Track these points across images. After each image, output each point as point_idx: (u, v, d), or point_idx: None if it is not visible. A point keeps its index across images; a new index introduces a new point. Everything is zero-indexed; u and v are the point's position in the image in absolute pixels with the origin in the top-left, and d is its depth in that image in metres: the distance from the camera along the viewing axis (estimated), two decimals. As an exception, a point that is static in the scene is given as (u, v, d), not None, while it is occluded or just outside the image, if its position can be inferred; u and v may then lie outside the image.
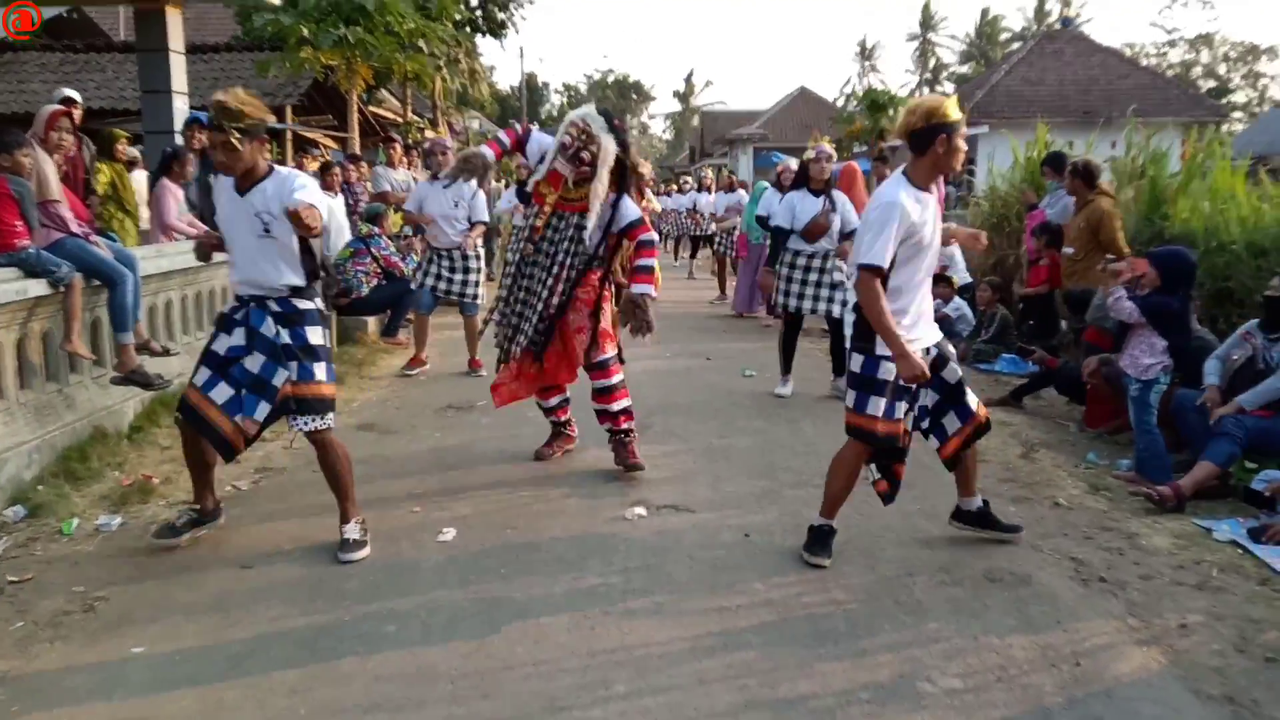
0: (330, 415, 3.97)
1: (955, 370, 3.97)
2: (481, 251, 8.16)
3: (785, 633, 3.34)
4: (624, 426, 5.06)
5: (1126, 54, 35.25)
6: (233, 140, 3.69)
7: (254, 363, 3.90)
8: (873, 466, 3.96)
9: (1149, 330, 5.05)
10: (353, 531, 4.02)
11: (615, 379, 5.00)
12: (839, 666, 3.11)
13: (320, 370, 3.93)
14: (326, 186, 9.56)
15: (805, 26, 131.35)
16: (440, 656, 3.15)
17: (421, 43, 13.86)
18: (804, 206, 6.86)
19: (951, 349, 4.05)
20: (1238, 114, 48.53)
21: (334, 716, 2.81)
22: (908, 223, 3.60)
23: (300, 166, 10.87)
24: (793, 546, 4.12)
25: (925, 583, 3.76)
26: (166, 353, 5.89)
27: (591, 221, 4.69)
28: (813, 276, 6.92)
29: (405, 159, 11.48)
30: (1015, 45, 48.17)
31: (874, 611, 3.51)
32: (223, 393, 3.91)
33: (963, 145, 3.63)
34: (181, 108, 9.21)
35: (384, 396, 7.07)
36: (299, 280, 3.95)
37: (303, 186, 3.80)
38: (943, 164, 3.67)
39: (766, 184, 10.40)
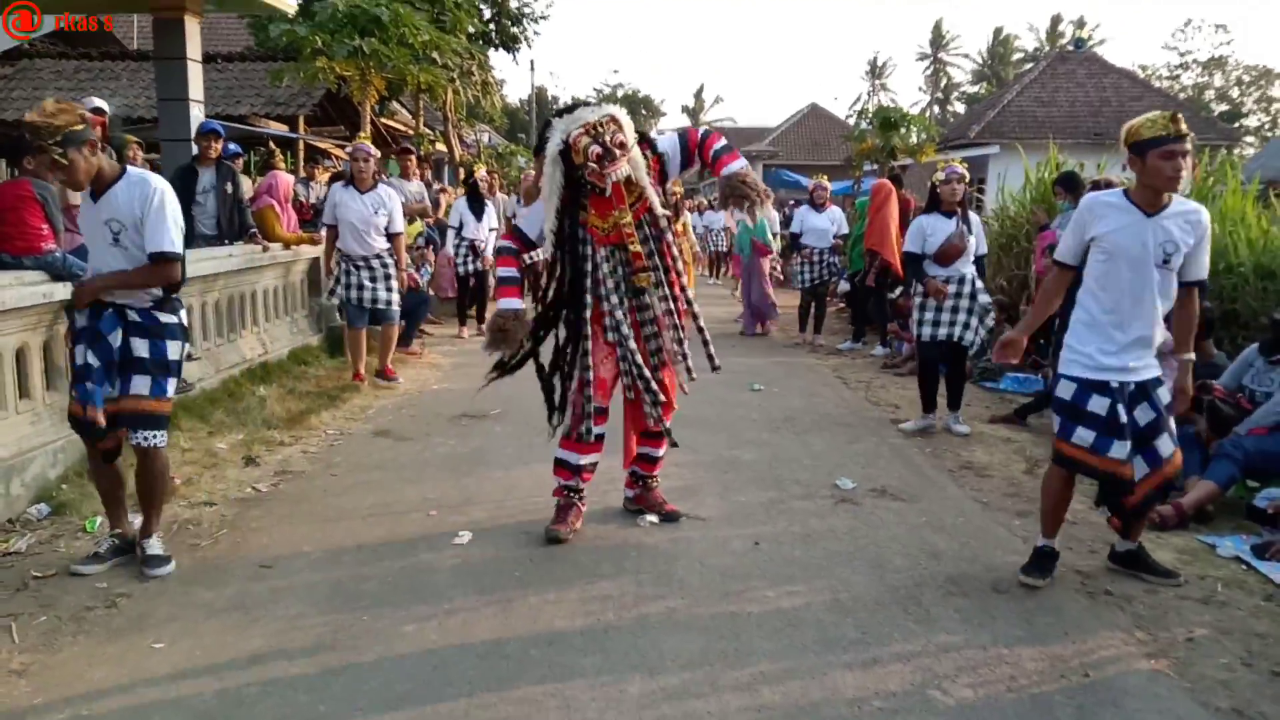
0: (164, 434, 3.86)
1: (1149, 411, 3.77)
2: (394, 259, 7.64)
3: (796, 640, 3.39)
4: (657, 471, 4.71)
5: (1139, 76, 35.36)
6: (55, 157, 3.54)
7: (91, 358, 3.75)
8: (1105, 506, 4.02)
9: (1171, 356, 5.09)
10: (155, 546, 3.96)
11: (670, 419, 4.49)
12: (850, 675, 3.16)
13: (170, 386, 3.85)
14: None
15: (816, 44, 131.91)
16: (457, 657, 3.21)
17: (435, 55, 14.00)
18: (935, 229, 6.56)
19: (1162, 393, 3.81)
20: (1249, 138, 48.59)
21: (353, 713, 2.86)
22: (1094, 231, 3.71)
23: (311, 177, 10.98)
24: (802, 556, 4.17)
25: (933, 593, 3.81)
26: (189, 357, 5.96)
27: (657, 200, 4.09)
28: (949, 302, 6.54)
29: (418, 170, 11.58)
30: (1028, 65, 48.30)
31: (883, 621, 3.56)
32: (81, 391, 3.77)
33: (1163, 164, 3.57)
34: (198, 115, 9.31)
35: (398, 404, 7.14)
36: (158, 292, 3.84)
37: (154, 193, 3.69)
38: (1147, 179, 3.66)
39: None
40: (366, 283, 7.46)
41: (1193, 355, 3.92)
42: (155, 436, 3.81)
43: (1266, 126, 51.25)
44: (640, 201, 4.04)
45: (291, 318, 8.66)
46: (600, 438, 4.34)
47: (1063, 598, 3.82)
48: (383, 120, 18.09)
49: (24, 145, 5.16)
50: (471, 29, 17.56)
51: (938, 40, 66.47)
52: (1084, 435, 3.76)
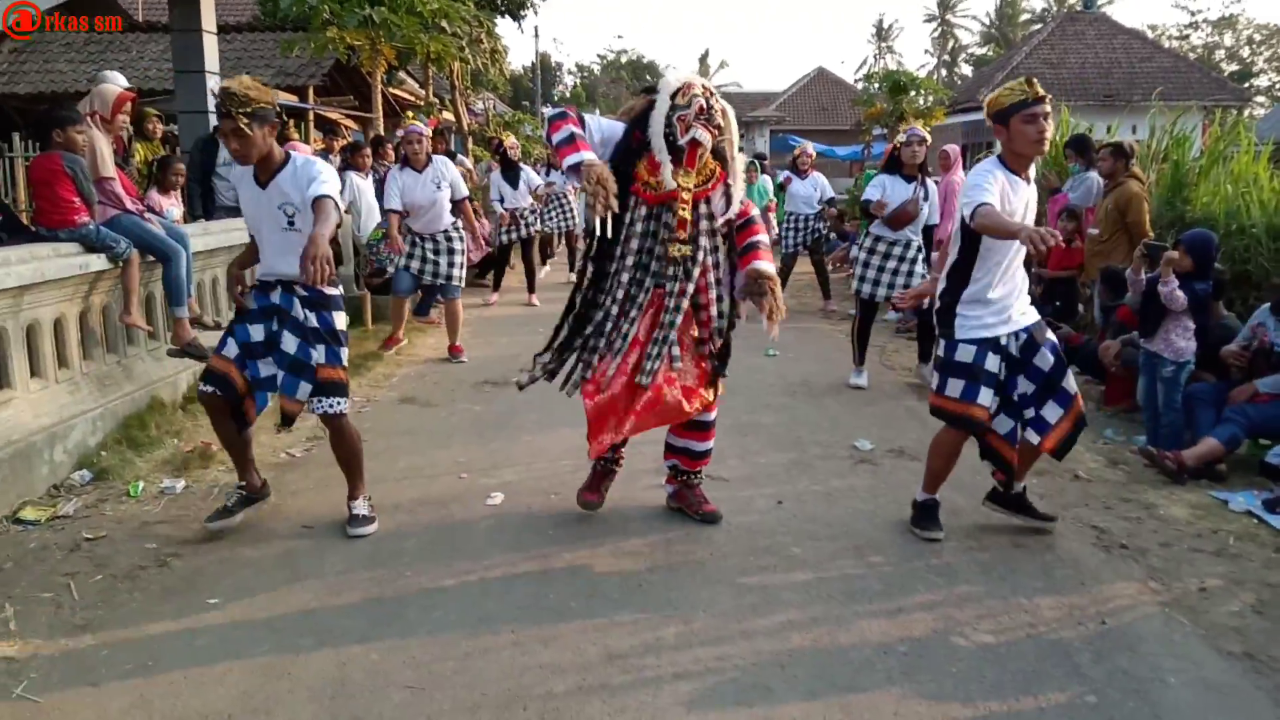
0: (347, 400, 4.01)
1: (1048, 357, 3.85)
2: (463, 232, 7.87)
3: (822, 592, 3.53)
4: (700, 468, 4.30)
5: (1149, 36, 35.07)
6: (241, 125, 3.65)
7: (290, 344, 3.88)
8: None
9: (1186, 315, 5.18)
10: (361, 507, 4.12)
11: (715, 414, 4.20)
12: (876, 623, 3.29)
13: (344, 355, 4.00)
14: (357, 167, 9.75)
15: (822, 6, 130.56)
16: (499, 609, 3.35)
17: (444, 23, 13.99)
18: (894, 191, 6.73)
19: (1050, 335, 3.95)
20: (1260, 98, 48.16)
21: (403, 662, 3.01)
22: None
23: (330, 149, 11.05)
24: (824, 514, 4.31)
25: (955, 548, 3.94)
26: (218, 326, 6.07)
27: (737, 197, 3.94)
28: (891, 264, 6.77)
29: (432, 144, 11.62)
30: (1036, 27, 47.86)
31: (907, 573, 3.70)
32: (259, 370, 3.93)
33: (1026, 128, 3.70)
34: (214, 88, 9.37)
35: (421, 372, 7.27)
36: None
37: (319, 174, 3.76)
38: (1014, 146, 3.77)
39: (873, 172, 10.29)
40: (430, 255, 7.52)
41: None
42: (339, 404, 3.95)
43: (1278, 86, 50.80)
44: (707, 185, 3.88)
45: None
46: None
47: (1080, 551, 3.94)
48: (391, 89, 18.08)
49: (53, 119, 5.25)
50: (479, -4, 17.50)
51: (945, 1, 65.77)
52: (985, 394, 3.84)
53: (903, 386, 6.93)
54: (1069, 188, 8.66)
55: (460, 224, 7.76)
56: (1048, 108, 3.71)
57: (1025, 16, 61.99)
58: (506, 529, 4.10)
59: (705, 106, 3.72)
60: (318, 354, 3.88)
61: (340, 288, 4.10)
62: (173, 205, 6.85)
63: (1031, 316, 3.93)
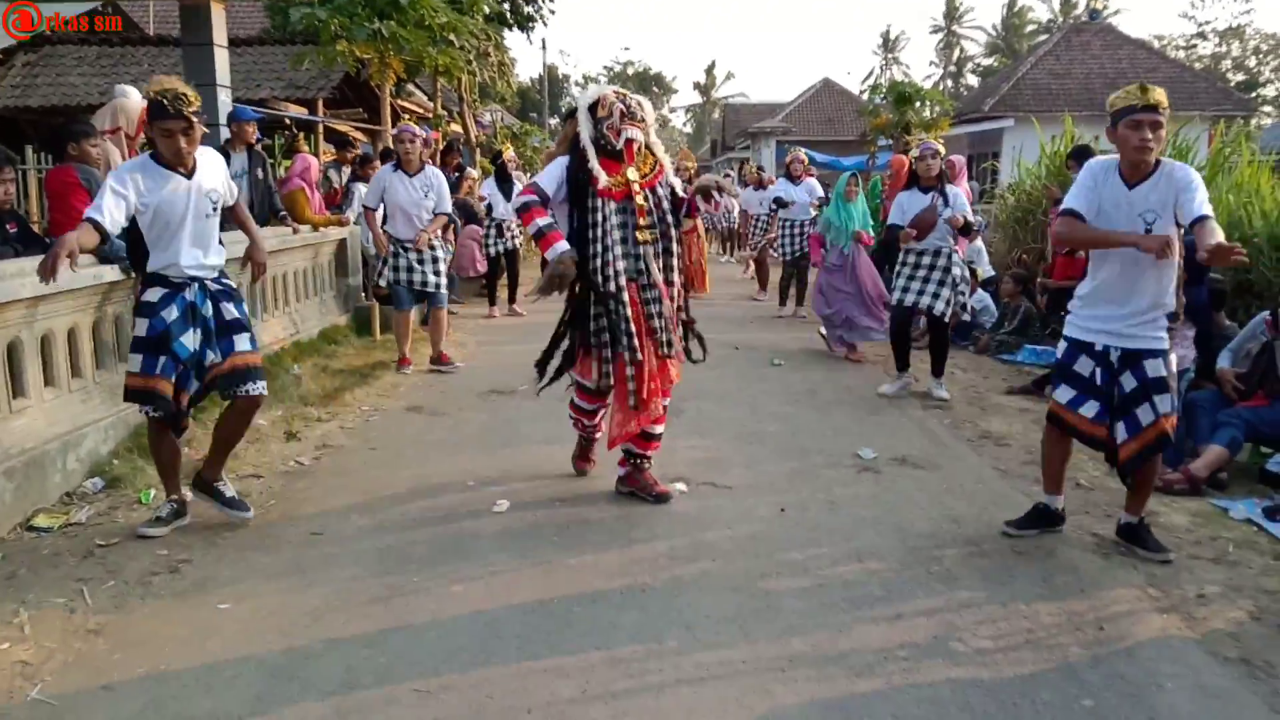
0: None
1: (1132, 379, 3.84)
2: (442, 241, 7.87)
3: (824, 598, 3.57)
4: (651, 453, 4.67)
5: (1155, 46, 35.12)
6: (196, 124, 3.89)
7: (194, 341, 4.04)
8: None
9: (1184, 324, 5.22)
10: (230, 488, 4.35)
11: (669, 399, 4.71)
12: (876, 628, 3.34)
13: (257, 341, 4.33)
14: (365, 179, 9.85)
15: (827, 18, 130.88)
16: (505, 614, 3.40)
17: (452, 37, 14.11)
18: (913, 204, 6.77)
19: (1152, 365, 3.83)
20: (1267, 108, 48.13)
21: (411, 666, 3.06)
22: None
23: (342, 161, 11.15)
24: (827, 521, 4.35)
25: (955, 555, 3.98)
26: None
27: (671, 178, 4.53)
28: (922, 273, 6.77)
29: (434, 157, 11.73)
30: (1042, 37, 47.94)
31: (907, 580, 3.74)
32: (176, 376, 4.03)
33: (1129, 134, 3.66)
34: (225, 101, 9.47)
35: (428, 381, 7.34)
36: (222, 261, 4.25)
37: (217, 157, 4.23)
38: (1120, 151, 3.76)
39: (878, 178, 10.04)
40: (415, 265, 7.45)
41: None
42: (261, 385, 4.21)
43: (1284, 96, 50.76)
44: (653, 174, 4.44)
45: (320, 298, 8.87)
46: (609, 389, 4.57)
47: (1079, 558, 3.98)
48: (399, 102, 18.22)
49: (68, 132, 5.35)
50: (487, 9, 17.63)
51: (951, 12, 65.92)
52: (1064, 393, 3.98)
53: (907, 396, 6.97)
54: (1072, 198, 8.70)
55: (437, 235, 7.68)
56: (1159, 116, 3.64)
57: (1031, 27, 62.14)
58: (512, 536, 4.16)
59: (625, 109, 4.31)
60: (242, 342, 4.15)
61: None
62: None
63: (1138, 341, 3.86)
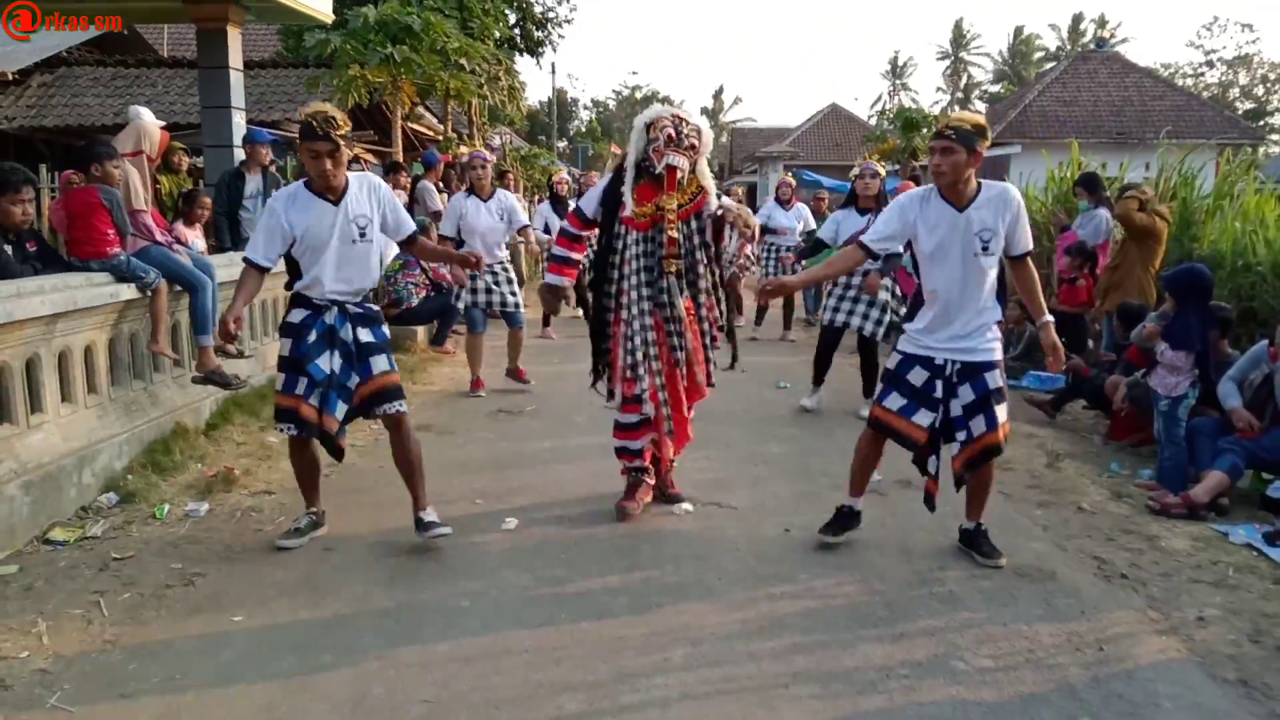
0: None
1: (970, 392, 4.00)
2: (510, 266, 7.89)
3: (828, 617, 3.62)
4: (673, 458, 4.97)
5: (1162, 75, 35.30)
6: (342, 146, 3.89)
7: (330, 363, 4.07)
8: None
9: (1177, 353, 5.29)
10: (433, 514, 4.29)
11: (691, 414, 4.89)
12: (879, 647, 3.38)
13: (394, 362, 4.32)
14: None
15: (836, 43, 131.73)
16: (514, 630, 3.46)
17: (464, 61, 14.30)
18: (848, 224, 6.93)
19: (990, 377, 4.01)
20: (1275, 136, 48.25)
21: (421, 678, 3.11)
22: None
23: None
24: (833, 542, 4.39)
25: (957, 576, 4.03)
26: (241, 354, 6.25)
27: (712, 208, 4.50)
28: (851, 293, 6.94)
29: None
30: (1049, 65, 48.20)
31: (910, 600, 3.79)
32: (319, 397, 4.08)
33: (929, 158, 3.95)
34: (240, 123, 9.62)
35: (437, 401, 7.42)
36: (374, 283, 4.30)
37: (388, 198, 4.21)
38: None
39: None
40: (494, 287, 7.52)
41: (1049, 318, 4.04)
42: (400, 404, 4.25)
43: (1292, 125, 50.89)
44: (693, 203, 4.42)
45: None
46: (644, 422, 4.60)
47: (1081, 581, 4.03)
48: (410, 124, 18.42)
49: (91, 154, 5.46)
50: (498, 34, 17.86)
51: (958, 39, 66.39)
52: (895, 400, 4.11)
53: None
54: (1078, 225, 8.79)
55: (508, 258, 7.79)
56: (948, 141, 3.84)
57: (1039, 55, 62.49)
58: (521, 552, 4.22)
59: (675, 134, 4.21)
60: (380, 364, 4.18)
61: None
62: (197, 237, 7.04)
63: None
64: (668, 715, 2.93)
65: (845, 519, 4.37)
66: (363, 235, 4.09)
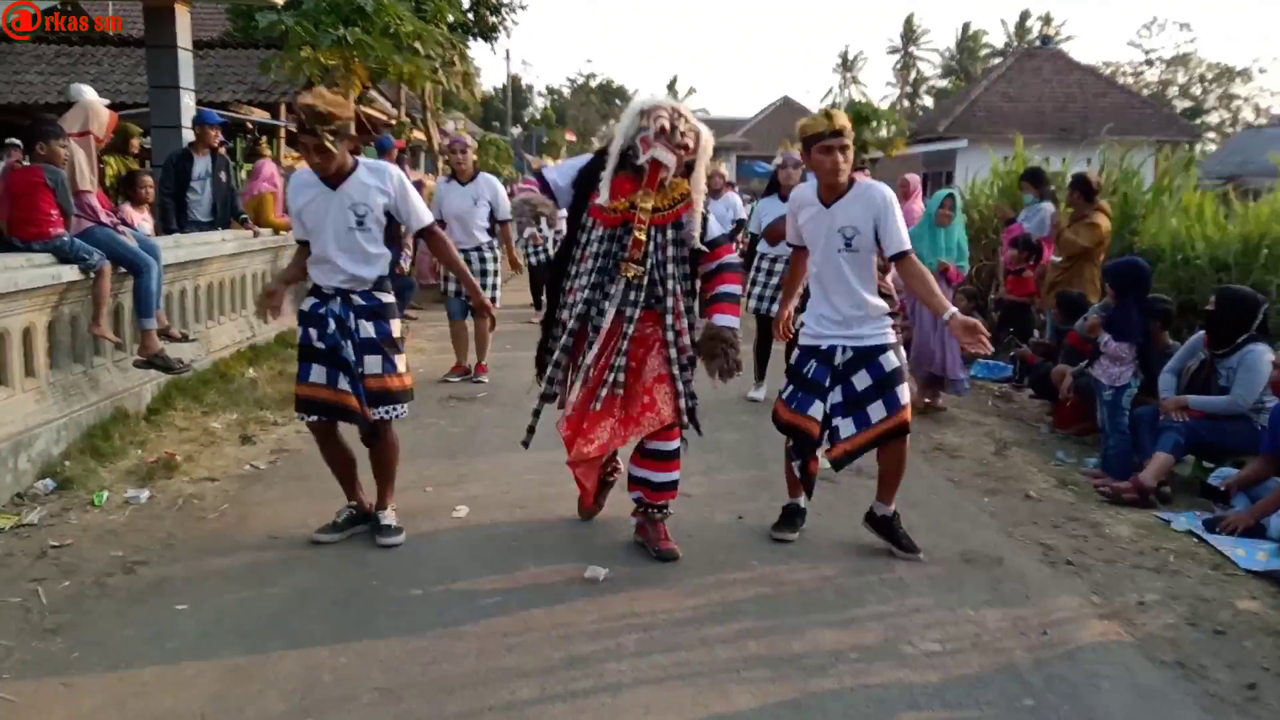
0: (405, 406, 4.13)
1: (866, 377, 3.99)
2: (500, 252, 7.80)
3: (779, 603, 3.65)
4: (664, 501, 4.12)
5: (1104, 73, 35.94)
6: (326, 143, 3.76)
7: (344, 349, 3.96)
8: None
9: (1120, 344, 5.41)
10: (390, 517, 4.22)
11: (677, 442, 4.10)
12: (829, 632, 3.42)
13: (401, 363, 4.09)
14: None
15: (789, 36, 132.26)
16: (464, 617, 3.44)
17: (418, 45, 14.12)
18: (770, 211, 7.00)
19: (883, 360, 4.00)
20: (1211, 134, 49.43)
21: (371, 666, 3.08)
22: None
23: (292, 166, 11.10)
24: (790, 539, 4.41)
25: (906, 563, 4.08)
26: (185, 338, 6.14)
27: (697, 222, 3.92)
28: (774, 280, 6.94)
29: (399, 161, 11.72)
30: (996, 60, 48.88)
31: (860, 586, 3.83)
32: (343, 382, 3.98)
33: (822, 158, 3.87)
34: (189, 104, 9.42)
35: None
36: (383, 272, 4.08)
37: (403, 187, 4.02)
38: (816, 173, 4.01)
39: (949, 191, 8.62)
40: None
41: (952, 310, 3.89)
42: (395, 410, 4.07)
43: (1228, 123, 52.19)
44: (673, 210, 3.88)
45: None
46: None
47: (1027, 567, 4.10)
48: (363, 108, 18.15)
49: (37, 132, 5.31)
50: (452, 18, 17.65)
51: (909, 34, 66.98)
52: (790, 395, 4.13)
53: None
54: (1023, 218, 8.93)
55: (496, 244, 7.66)
56: (845, 140, 3.86)
57: (985, 51, 63.28)
58: (472, 541, 4.19)
59: (668, 128, 3.72)
60: (372, 365, 3.98)
61: (391, 295, 4.17)
62: (144, 219, 6.89)
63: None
64: (620, 700, 2.93)
65: (791, 515, 4.37)
66: (360, 224, 3.92)
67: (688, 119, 3.84)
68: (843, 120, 3.89)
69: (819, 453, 4.24)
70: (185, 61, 9.22)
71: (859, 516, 4.48)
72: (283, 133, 16.14)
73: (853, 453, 4.07)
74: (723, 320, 3.93)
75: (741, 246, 11.40)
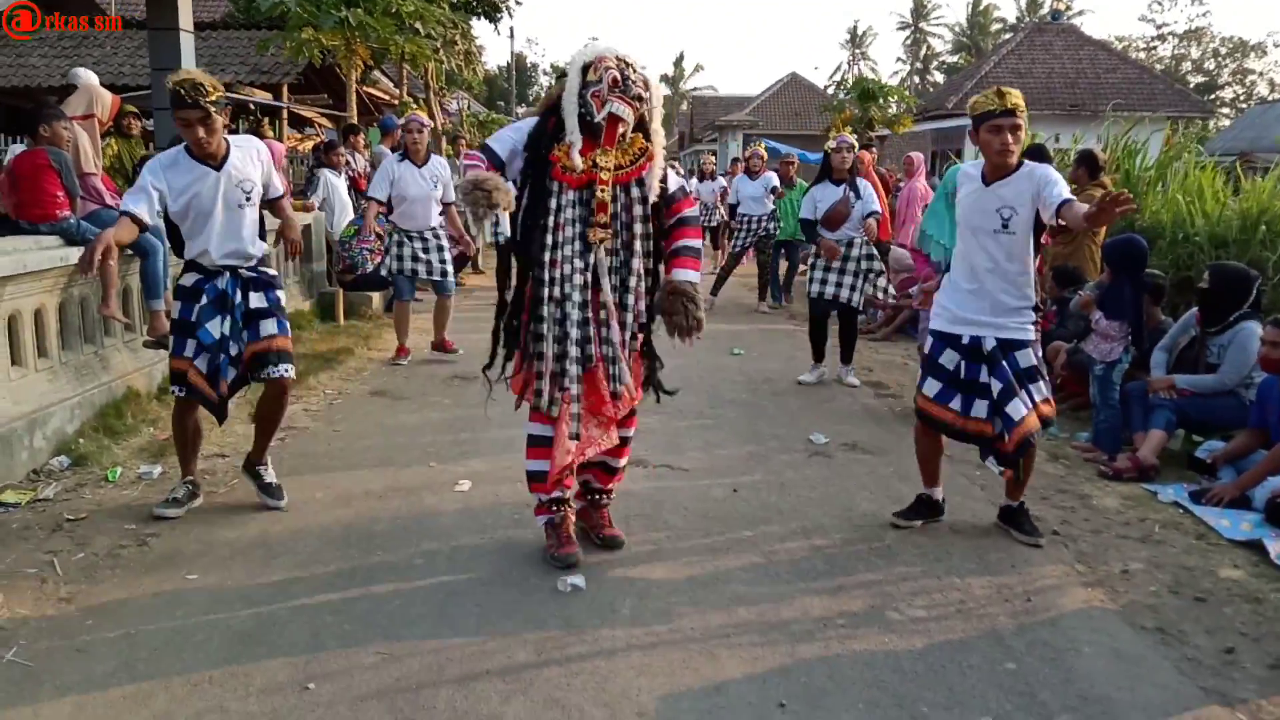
0: (293, 365, 4.33)
1: (1006, 371, 3.93)
2: (444, 231, 7.77)
3: (770, 571, 3.76)
4: (611, 486, 4.03)
5: (1116, 48, 35.72)
6: (211, 112, 3.85)
7: (220, 327, 4.09)
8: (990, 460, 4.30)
9: (1111, 321, 5.48)
10: (270, 475, 4.43)
11: (633, 431, 3.99)
12: (818, 599, 3.52)
13: (288, 326, 4.31)
14: (331, 165, 9.91)
15: (797, 12, 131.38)
16: (465, 586, 3.55)
17: (419, 25, 14.14)
18: (824, 196, 7.01)
19: (1020, 356, 3.97)
20: (1225, 110, 49.10)
21: (374, 631, 3.20)
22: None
23: (295, 148, 11.15)
24: (777, 501, 4.54)
25: (896, 534, 4.19)
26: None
27: (656, 177, 3.65)
28: (837, 264, 7.00)
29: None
30: (1006, 36, 48.54)
31: (850, 555, 3.94)
32: (207, 362, 4.12)
33: (991, 137, 3.78)
34: (168, 82, 9.47)
35: (391, 367, 7.44)
36: (264, 248, 4.24)
37: (266, 162, 4.20)
38: (983, 153, 3.91)
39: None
40: (420, 254, 7.48)
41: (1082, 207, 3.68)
42: (288, 369, 4.24)
43: (1241, 98, 51.82)
44: (635, 166, 3.62)
45: (284, 283, 8.90)
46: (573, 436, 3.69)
47: (1014, 537, 4.19)
48: (365, 88, 18.20)
49: (39, 115, 5.40)
50: (453, -1, 17.65)
51: (919, 9, 66.57)
52: (932, 386, 4.10)
53: (861, 386, 7.18)
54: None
55: (444, 225, 7.72)
56: (1018, 120, 3.75)
57: (996, 26, 62.86)
58: (473, 513, 4.31)
59: (619, 79, 3.50)
60: (268, 326, 4.16)
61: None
62: None
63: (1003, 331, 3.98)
64: (613, 664, 3.04)
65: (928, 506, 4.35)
66: (248, 199, 4.10)
67: (634, 66, 3.59)
68: (1016, 98, 3.75)
69: (988, 463, 4.34)
70: (187, 43, 9.27)
71: (852, 489, 4.60)
72: (285, 114, 16.22)
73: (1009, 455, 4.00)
74: (683, 275, 3.68)
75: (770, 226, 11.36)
